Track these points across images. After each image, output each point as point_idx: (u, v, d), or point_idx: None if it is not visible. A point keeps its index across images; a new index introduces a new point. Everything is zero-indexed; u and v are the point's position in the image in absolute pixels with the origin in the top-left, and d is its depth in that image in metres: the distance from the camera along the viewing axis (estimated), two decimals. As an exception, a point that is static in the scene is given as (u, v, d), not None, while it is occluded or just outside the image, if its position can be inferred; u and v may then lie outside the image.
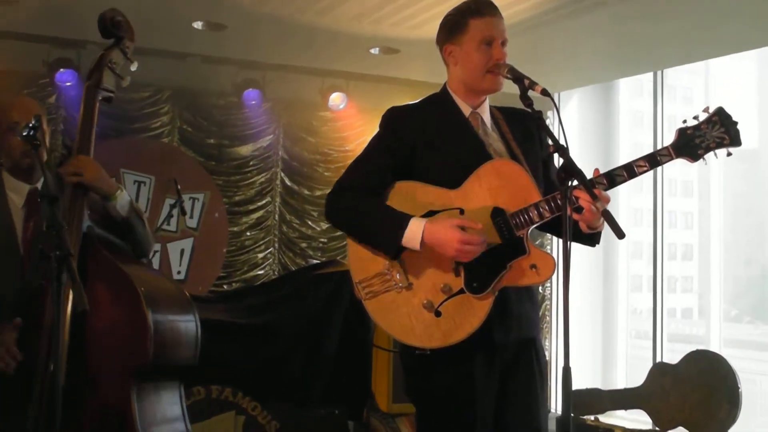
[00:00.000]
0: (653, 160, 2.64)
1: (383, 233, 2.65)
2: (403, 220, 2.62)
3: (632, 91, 7.95)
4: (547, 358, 5.74)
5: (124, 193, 3.08)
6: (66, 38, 6.88)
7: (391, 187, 2.73)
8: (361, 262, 2.71)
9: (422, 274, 2.66)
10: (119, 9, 3.27)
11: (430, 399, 2.72)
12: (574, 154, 2.46)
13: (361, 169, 2.79)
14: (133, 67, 3.26)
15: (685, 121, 2.66)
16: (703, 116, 2.65)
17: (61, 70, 6.90)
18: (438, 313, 2.63)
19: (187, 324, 3.05)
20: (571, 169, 2.40)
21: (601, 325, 8.10)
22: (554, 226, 2.69)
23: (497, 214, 2.63)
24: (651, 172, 7.12)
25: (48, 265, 2.47)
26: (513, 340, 2.72)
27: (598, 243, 2.79)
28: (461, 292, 2.62)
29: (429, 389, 2.71)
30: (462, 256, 2.58)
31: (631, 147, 7.75)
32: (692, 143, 2.63)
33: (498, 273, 2.61)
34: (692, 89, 8.27)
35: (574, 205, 2.56)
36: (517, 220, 2.62)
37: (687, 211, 8.45)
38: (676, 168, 7.22)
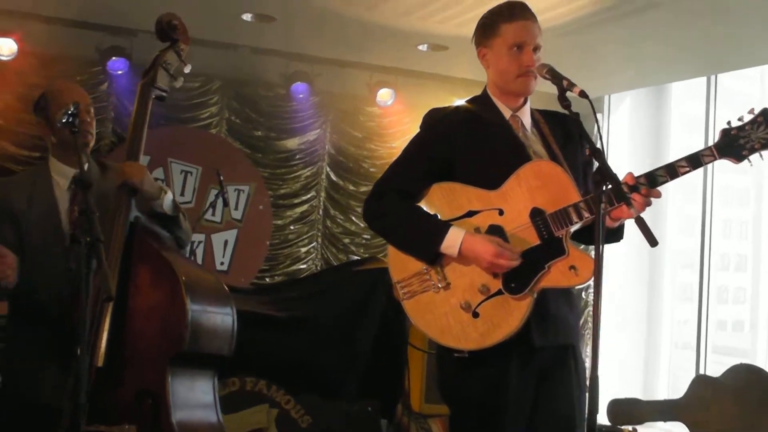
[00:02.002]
0: (695, 161, 2.60)
1: (422, 240, 2.66)
2: (443, 227, 2.63)
3: (685, 95, 7.80)
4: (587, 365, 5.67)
5: (168, 194, 3.23)
6: (119, 26, 6.96)
7: (430, 188, 2.73)
8: (401, 262, 2.72)
9: (460, 274, 2.66)
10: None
11: (464, 401, 2.70)
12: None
13: (399, 173, 2.80)
14: (187, 69, 3.40)
15: (729, 122, 2.62)
16: (748, 117, 2.60)
17: (114, 58, 6.97)
18: (476, 314, 2.62)
19: (224, 316, 3.16)
20: (605, 173, 2.38)
21: (645, 334, 7.97)
22: (586, 235, 2.69)
23: (536, 214, 2.62)
24: (701, 180, 7.05)
25: (79, 250, 2.52)
26: (551, 344, 2.69)
27: (623, 237, 2.78)
28: (499, 293, 2.61)
29: (463, 391, 2.70)
30: (497, 263, 2.57)
31: (682, 151, 7.61)
32: (736, 144, 2.58)
33: (536, 274, 2.59)
34: (747, 95, 8.08)
35: (612, 206, 2.55)
36: (556, 220, 2.60)
37: (743, 221, 8.26)
38: (731, 176, 7.06)
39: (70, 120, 2.77)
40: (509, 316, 2.59)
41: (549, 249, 2.61)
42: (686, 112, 7.70)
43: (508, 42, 2.72)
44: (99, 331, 2.90)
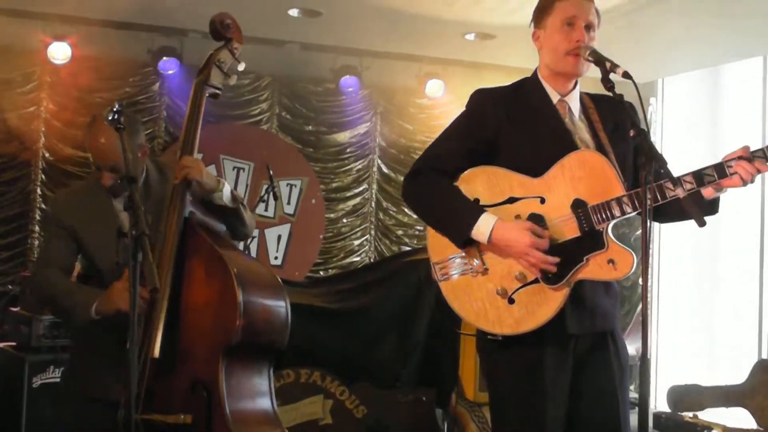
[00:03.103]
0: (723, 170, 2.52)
1: (454, 223, 2.64)
2: (476, 212, 2.60)
3: (741, 76, 7.61)
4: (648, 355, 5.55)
5: (226, 186, 3.27)
6: (169, 27, 7.07)
7: (473, 170, 2.69)
8: (439, 243, 2.71)
9: (498, 260, 2.63)
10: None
11: (500, 385, 2.70)
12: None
13: (439, 151, 2.76)
14: (241, 67, 3.44)
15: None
16: None
17: (165, 58, 7.10)
18: (511, 300, 2.60)
19: (277, 307, 3.16)
20: (651, 154, 2.33)
21: (705, 320, 7.83)
22: (661, 212, 2.63)
23: (578, 205, 2.59)
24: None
25: (124, 243, 2.57)
26: (587, 332, 2.65)
27: (717, 211, 2.67)
28: (536, 281, 2.59)
29: (499, 375, 2.70)
30: (527, 260, 2.56)
31: (738, 134, 7.44)
32: None
33: (574, 265, 2.57)
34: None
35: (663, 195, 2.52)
36: (598, 213, 2.56)
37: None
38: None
39: (116, 117, 2.82)
40: (545, 304, 2.58)
41: (588, 241, 2.57)
42: (742, 93, 7.52)
43: (560, 18, 2.67)
44: (154, 324, 2.95)
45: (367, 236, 8.17)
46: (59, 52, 6.80)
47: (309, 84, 7.93)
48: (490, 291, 2.63)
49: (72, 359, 3.47)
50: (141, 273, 2.47)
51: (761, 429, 5.76)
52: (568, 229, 2.59)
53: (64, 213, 3.21)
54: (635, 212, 2.54)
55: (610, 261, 2.55)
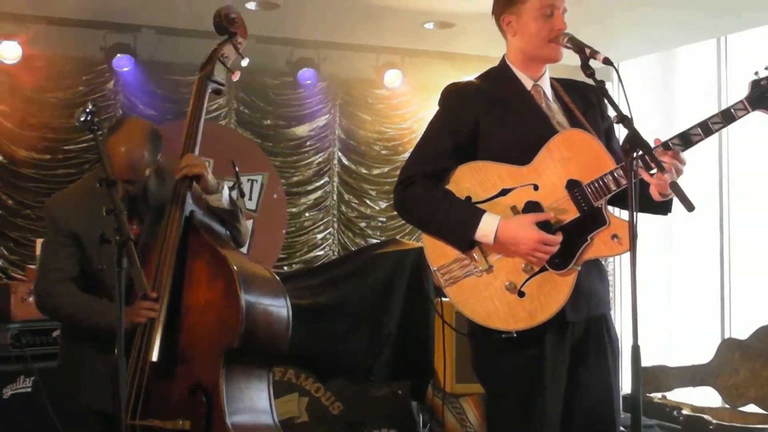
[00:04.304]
0: (728, 116, 2.54)
1: (455, 229, 2.60)
2: (477, 215, 2.57)
3: (695, 59, 7.71)
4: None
5: (225, 188, 3.24)
6: (122, 23, 6.93)
7: (460, 169, 2.66)
8: (438, 248, 2.66)
9: (501, 254, 2.60)
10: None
11: (500, 381, 2.67)
12: (636, 125, 2.39)
13: (425, 155, 2.72)
14: (244, 63, 3.43)
15: (756, 73, 2.56)
16: None
17: (118, 55, 6.96)
18: (522, 294, 2.57)
19: (279, 309, 3.14)
20: (636, 139, 2.34)
21: (665, 298, 7.94)
22: (620, 199, 2.60)
23: (573, 186, 2.58)
24: (716, 143, 6.98)
25: (109, 249, 2.51)
26: (583, 317, 2.66)
27: (670, 212, 2.71)
28: (543, 270, 2.57)
29: (499, 372, 2.66)
30: (535, 256, 2.54)
31: (694, 116, 7.54)
32: (767, 94, 2.53)
33: (579, 246, 2.56)
34: (757, 57, 7.98)
35: (648, 170, 2.50)
36: (594, 190, 2.55)
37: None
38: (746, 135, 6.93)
39: (89, 118, 2.75)
40: (556, 291, 2.56)
41: (590, 220, 2.56)
42: (696, 76, 7.61)
43: (537, 6, 2.65)
44: (152, 327, 2.90)
45: (330, 229, 8.13)
46: (9, 51, 6.62)
47: (266, 77, 7.85)
48: (499, 287, 2.59)
49: (62, 367, 3.32)
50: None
51: (728, 407, 5.86)
52: (567, 211, 2.57)
53: (63, 219, 3.11)
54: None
55: (614, 236, 2.56)
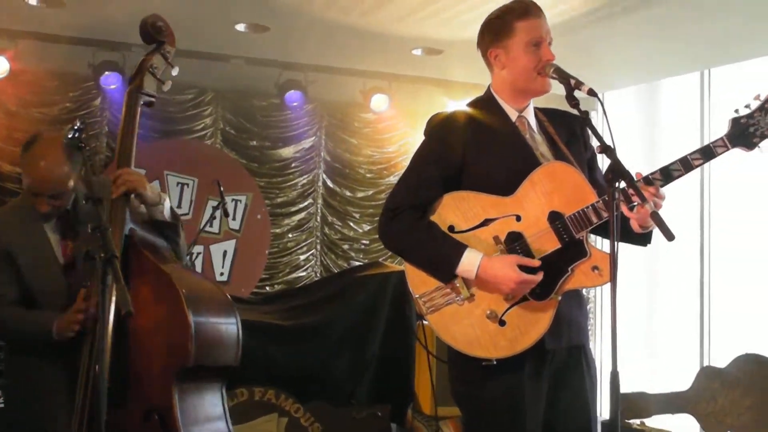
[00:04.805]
0: (708, 152, 2.58)
1: (437, 264, 2.62)
2: (459, 250, 2.59)
3: (678, 91, 7.80)
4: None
5: (167, 200, 3.15)
6: (111, 41, 6.94)
7: (444, 199, 2.68)
8: (419, 276, 2.68)
9: (483, 284, 2.62)
10: (163, 12, 3.29)
11: (479, 407, 2.68)
12: (619, 155, 2.42)
13: (410, 186, 2.73)
14: (174, 72, 3.29)
15: (737, 111, 2.61)
16: (755, 104, 2.60)
17: (106, 73, 6.95)
18: (502, 322, 2.60)
19: (228, 325, 3.07)
20: (618, 170, 2.36)
21: (646, 327, 7.98)
22: (602, 228, 2.63)
23: (555, 217, 2.60)
24: (698, 178, 7.04)
25: (93, 266, 2.50)
26: (563, 346, 2.68)
27: (650, 243, 2.74)
28: (524, 299, 2.60)
29: (478, 398, 2.67)
30: (515, 293, 2.57)
31: (677, 148, 7.61)
32: (747, 132, 2.58)
33: (560, 277, 2.59)
34: (740, 91, 8.08)
35: (629, 204, 2.55)
36: (576, 222, 2.58)
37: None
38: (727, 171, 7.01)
39: (77, 135, 2.75)
40: (536, 321, 2.58)
41: (571, 252, 2.59)
42: (680, 108, 7.70)
43: (525, 39, 2.68)
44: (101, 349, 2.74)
45: (313, 251, 8.14)
46: (-4, 66, 6.63)
47: (253, 99, 7.88)
48: (479, 316, 2.61)
49: (11, 391, 3.23)
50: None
51: (706, 435, 5.89)
52: (549, 243, 2.60)
53: None
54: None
55: (595, 268, 2.58)
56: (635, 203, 2.55)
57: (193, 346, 2.82)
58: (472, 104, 2.83)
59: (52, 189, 3.02)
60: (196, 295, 2.93)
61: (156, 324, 2.88)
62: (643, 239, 2.71)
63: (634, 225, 2.63)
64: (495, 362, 2.58)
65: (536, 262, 2.58)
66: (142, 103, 3.17)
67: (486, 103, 2.80)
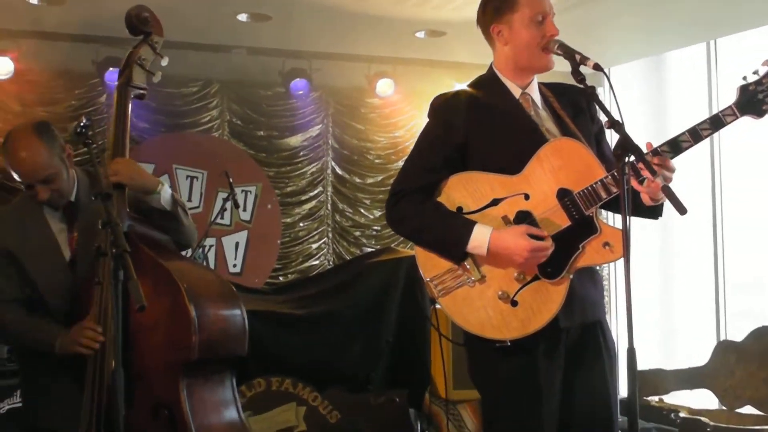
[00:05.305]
0: (717, 122, 2.55)
1: (448, 242, 2.60)
2: (468, 226, 2.57)
3: (684, 63, 7.74)
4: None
5: (165, 187, 3.10)
6: (114, 37, 6.91)
7: (448, 180, 2.66)
8: (430, 259, 2.66)
9: (494, 265, 2.60)
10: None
11: (495, 389, 2.67)
12: (627, 130, 2.39)
13: (416, 169, 2.72)
14: (164, 62, 3.24)
15: (745, 78, 2.57)
16: (763, 70, 2.56)
17: (110, 69, 6.93)
18: (514, 303, 2.58)
19: (233, 317, 3.05)
20: (628, 144, 2.34)
21: (660, 302, 7.95)
22: (613, 203, 2.60)
23: (564, 194, 2.58)
24: (708, 149, 6.99)
25: (103, 262, 2.50)
26: (577, 324, 2.65)
27: (661, 215, 2.71)
28: (536, 278, 2.58)
29: (493, 379, 2.66)
30: (529, 264, 2.54)
31: (684, 121, 7.56)
32: (755, 99, 2.54)
33: (571, 255, 2.57)
34: (747, 60, 8.01)
35: (639, 178, 2.52)
36: (585, 198, 2.56)
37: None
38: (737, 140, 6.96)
39: (84, 131, 2.75)
40: (549, 300, 2.56)
41: (581, 229, 2.57)
42: (687, 80, 7.64)
43: (529, 14, 2.65)
44: (107, 351, 2.81)
45: (325, 239, 8.13)
46: (1, 67, 6.63)
47: (258, 89, 7.86)
48: (491, 297, 2.59)
49: (24, 394, 3.26)
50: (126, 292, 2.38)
51: (725, 409, 5.87)
52: (558, 220, 2.58)
53: None
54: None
55: (606, 244, 2.56)
56: (645, 177, 2.52)
57: (196, 340, 2.81)
58: (474, 83, 2.80)
59: (42, 174, 2.99)
60: (197, 289, 2.91)
61: (158, 319, 2.86)
62: (654, 212, 2.69)
63: (645, 198, 2.60)
64: (509, 343, 2.56)
65: (544, 232, 2.55)
66: (132, 96, 3.13)
67: (488, 81, 2.77)
